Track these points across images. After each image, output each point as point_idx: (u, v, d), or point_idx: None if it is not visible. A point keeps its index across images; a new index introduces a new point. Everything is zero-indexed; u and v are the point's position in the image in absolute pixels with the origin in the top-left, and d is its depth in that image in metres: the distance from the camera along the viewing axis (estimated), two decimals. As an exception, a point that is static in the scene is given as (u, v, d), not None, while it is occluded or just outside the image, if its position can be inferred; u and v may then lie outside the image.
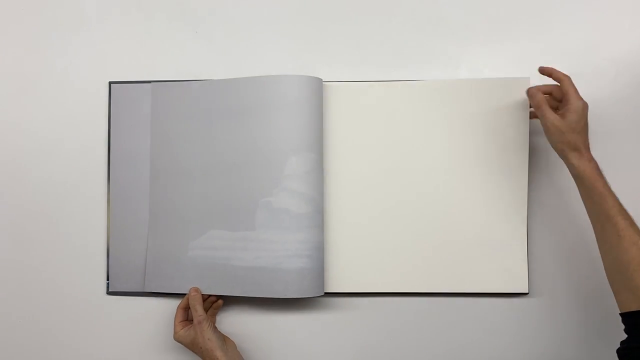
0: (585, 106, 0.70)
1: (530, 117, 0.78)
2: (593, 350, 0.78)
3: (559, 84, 0.72)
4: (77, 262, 0.82)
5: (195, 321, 0.74)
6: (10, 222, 0.83)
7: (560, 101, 0.72)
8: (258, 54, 0.82)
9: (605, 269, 0.66)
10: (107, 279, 0.81)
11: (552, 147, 0.71)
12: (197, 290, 0.76)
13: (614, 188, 0.66)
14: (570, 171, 0.70)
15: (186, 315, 0.78)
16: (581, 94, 0.69)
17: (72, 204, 0.82)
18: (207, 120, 0.79)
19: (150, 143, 0.81)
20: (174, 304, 0.79)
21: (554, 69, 0.73)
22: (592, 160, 0.68)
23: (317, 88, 0.77)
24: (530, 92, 0.73)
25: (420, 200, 0.78)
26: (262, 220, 0.76)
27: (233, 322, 0.80)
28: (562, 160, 0.70)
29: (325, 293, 0.77)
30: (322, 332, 0.79)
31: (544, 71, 0.74)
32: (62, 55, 0.83)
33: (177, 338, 0.75)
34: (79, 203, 0.82)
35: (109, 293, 0.81)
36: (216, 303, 0.79)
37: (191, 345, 0.74)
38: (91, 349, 0.82)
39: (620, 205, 0.66)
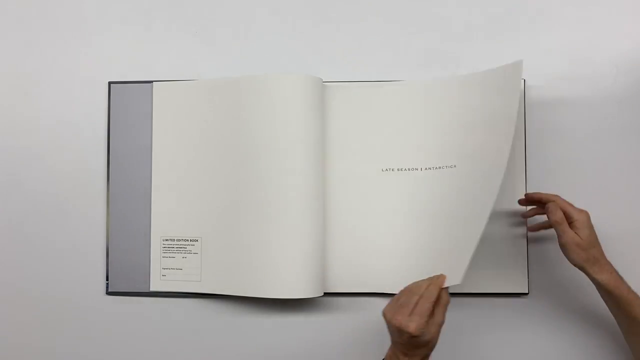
0: (588, 216, 0.69)
1: (526, 216, 0.77)
2: (592, 350, 0.78)
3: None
4: (77, 262, 0.82)
5: (438, 321, 0.63)
6: (10, 222, 0.83)
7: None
8: (258, 53, 0.82)
9: (633, 354, 0.70)
10: (107, 279, 0.81)
11: (572, 264, 0.69)
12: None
13: (614, 188, 0.66)
14: (593, 283, 0.69)
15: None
16: (581, 94, 0.68)
17: (72, 204, 0.82)
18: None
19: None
20: (174, 304, 0.80)
21: (540, 193, 0.72)
22: (611, 269, 0.69)
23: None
24: (550, 208, 0.70)
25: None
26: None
27: (232, 322, 0.80)
28: (562, 160, 0.70)
29: (325, 293, 0.78)
30: (321, 332, 0.79)
31: (531, 198, 0.74)
32: (62, 56, 0.83)
33: (426, 331, 0.61)
34: (79, 203, 0.82)
35: (108, 293, 0.81)
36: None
37: (425, 343, 0.62)
38: (91, 349, 0.82)
39: None
